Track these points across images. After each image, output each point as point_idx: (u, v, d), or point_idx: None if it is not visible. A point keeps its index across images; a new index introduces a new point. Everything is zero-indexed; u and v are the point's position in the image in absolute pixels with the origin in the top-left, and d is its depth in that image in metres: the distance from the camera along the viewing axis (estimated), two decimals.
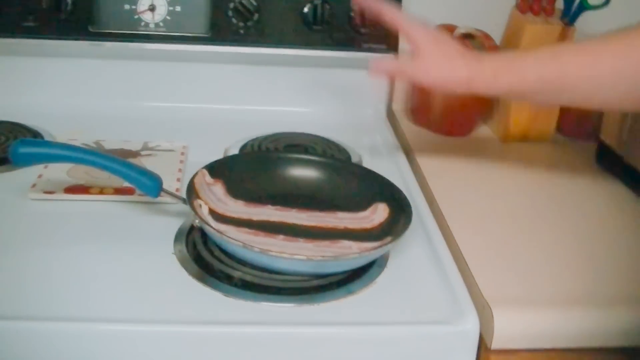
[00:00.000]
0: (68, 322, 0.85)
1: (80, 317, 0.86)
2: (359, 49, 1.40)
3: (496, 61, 1.06)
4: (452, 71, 1.06)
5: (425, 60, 1.07)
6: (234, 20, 1.36)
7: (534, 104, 1.36)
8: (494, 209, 1.15)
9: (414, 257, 1.02)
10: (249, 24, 1.36)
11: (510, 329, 0.90)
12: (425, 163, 1.28)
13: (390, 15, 1.11)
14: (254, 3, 1.35)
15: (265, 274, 0.94)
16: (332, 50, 1.39)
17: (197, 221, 0.98)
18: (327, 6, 1.37)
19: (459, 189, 1.20)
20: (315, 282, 0.94)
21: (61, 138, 1.27)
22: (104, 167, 0.98)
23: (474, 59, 1.06)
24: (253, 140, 1.33)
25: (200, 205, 1.02)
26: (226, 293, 0.91)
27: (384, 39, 1.39)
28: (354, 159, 1.29)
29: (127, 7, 1.35)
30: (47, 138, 1.28)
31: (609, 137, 1.28)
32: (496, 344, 0.90)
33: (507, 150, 1.38)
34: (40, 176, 1.13)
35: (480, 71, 1.05)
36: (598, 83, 0.97)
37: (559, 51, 1.03)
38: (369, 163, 1.27)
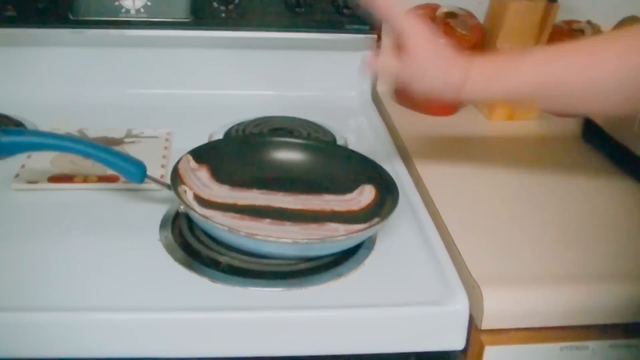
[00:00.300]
0: (54, 312, 0.84)
1: (66, 307, 0.85)
2: (342, 30, 1.39)
3: (489, 66, 1.02)
4: (445, 79, 1.01)
5: (420, 65, 1.00)
6: (215, 4, 1.35)
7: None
8: (481, 189, 1.14)
9: (402, 238, 1.02)
10: (231, 7, 1.35)
11: (499, 308, 0.89)
12: (412, 144, 1.27)
13: (383, 4, 1.04)
14: None
15: (253, 259, 0.93)
16: (314, 32, 1.38)
17: (182, 207, 0.97)
18: None
19: (446, 168, 1.20)
20: (303, 266, 0.94)
21: (44, 127, 1.26)
22: (87, 155, 0.98)
23: (466, 64, 1.00)
24: (238, 125, 1.32)
25: (185, 191, 1.01)
26: (213, 279, 0.90)
27: (366, 20, 1.38)
28: (340, 142, 1.28)
29: None
30: (30, 128, 1.27)
31: None
32: (486, 323, 0.89)
33: (494, 129, 1.37)
34: (23, 166, 1.12)
35: (472, 77, 1.00)
36: (600, 86, 0.94)
37: (557, 53, 0.99)
38: (354, 145, 1.27)
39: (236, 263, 0.93)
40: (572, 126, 1.36)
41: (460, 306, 0.89)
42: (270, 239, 0.90)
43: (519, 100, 1.05)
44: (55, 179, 1.10)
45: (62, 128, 1.25)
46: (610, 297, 0.92)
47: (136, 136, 1.26)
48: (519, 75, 0.99)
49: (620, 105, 0.97)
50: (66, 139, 0.99)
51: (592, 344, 0.93)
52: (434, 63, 1.00)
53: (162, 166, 1.15)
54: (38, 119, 1.30)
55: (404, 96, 1.43)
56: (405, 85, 1.03)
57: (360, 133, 1.36)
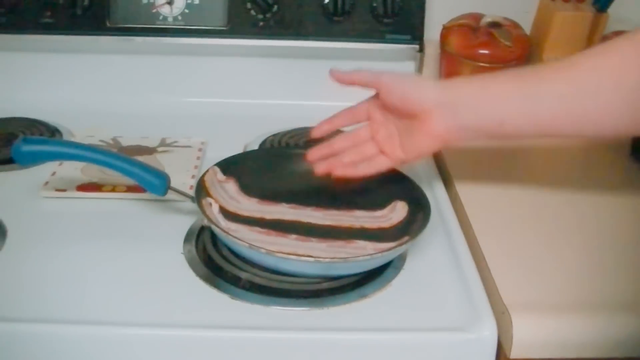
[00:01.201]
0: (76, 325, 0.83)
1: (87, 320, 0.84)
2: (382, 40, 1.35)
3: (502, 82, 0.96)
4: (418, 90, 0.99)
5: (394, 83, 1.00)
6: (252, 12, 1.33)
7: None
8: (520, 208, 1.09)
9: (433, 258, 0.98)
10: (268, 15, 1.33)
11: (530, 337, 0.85)
12: (451, 157, 1.23)
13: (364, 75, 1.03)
14: None
15: (275, 276, 0.91)
16: (354, 41, 1.35)
17: (205, 221, 0.94)
18: None
19: (485, 185, 1.15)
20: (326, 285, 0.91)
21: (79, 134, 1.26)
22: (108, 165, 0.96)
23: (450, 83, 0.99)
24: (274, 135, 1.29)
25: (211, 204, 0.99)
26: (234, 296, 0.88)
27: (407, 29, 1.35)
28: None
29: (144, 0, 1.32)
30: (65, 134, 1.27)
31: None
32: (515, 352, 0.85)
33: (538, 143, 1.32)
34: (54, 174, 1.12)
35: (470, 100, 0.96)
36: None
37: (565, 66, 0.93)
38: None
39: (257, 280, 0.90)
40: (621, 141, 1.30)
41: (488, 333, 0.85)
42: (292, 257, 0.87)
43: (541, 124, 0.95)
44: (84, 187, 1.09)
45: (96, 135, 1.25)
46: None
47: (169, 145, 1.24)
48: (544, 85, 0.93)
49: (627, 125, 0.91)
50: (88, 149, 0.97)
51: None
52: (407, 80, 1.01)
53: (193, 177, 1.13)
54: (74, 126, 1.29)
55: None
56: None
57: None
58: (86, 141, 1.21)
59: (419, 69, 1.43)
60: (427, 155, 1.04)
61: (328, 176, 1.05)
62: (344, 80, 1.04)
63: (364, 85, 1.02)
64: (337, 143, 1.06)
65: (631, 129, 0.95)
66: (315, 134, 1.07)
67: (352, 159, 1.04)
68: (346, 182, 1.05)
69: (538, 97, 0.92)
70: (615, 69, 0.89)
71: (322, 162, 1.05)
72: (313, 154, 1.06)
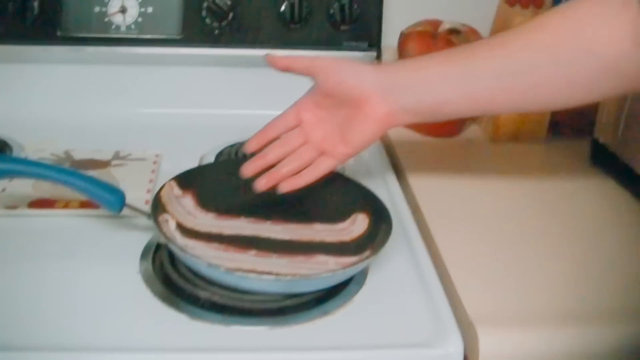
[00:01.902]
0: (25, 351, 0.79)
1: (38, 345, 0.80)
2: (340, 47, 1.33)
3: (432, 66, 0.97)
4: (357, 75, 0.98)
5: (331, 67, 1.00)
6: (207, 21, 1.30)
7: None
8: (482, 216, 1.09)
9: (395, 271, 0.96)
10: (224, 24, 1.30)
11: (497, 350, 0.83)
12: (411, 167, 1.22)
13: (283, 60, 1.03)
14: (228, 2, 1.29)
15: (235, 294, 0.88)
16: (311, 49, 1.33)
17: (162, 238, 0.92)
18: (305, 3, 1.31)
19: (446, 194, 1.14)
20: (288, 302, 0.88)
21: (30, 147, 1.22)
22: (61, 182, 0.93)
23: (384, 66, 1.02)
24: (230, 146, 1.27)
25: (167, 220, 0.96)
26: (193, 316, 0.85)
27: (365, 36, 1.33)
28: None
29: (96, 9, 1.29)
30: (15, 147, 1.23)
31: (603, 135, 1.22)
32: None
33: (497, 151, 1.31)
34: (3, 190, 1.08)
35: (404, 82, 0.97)
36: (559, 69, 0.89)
37: (507, 39, 0.94)
38: (351, 167, 1.21)
39: (217, 299, 0.88)
40: (580, 148, 1.30)
41: (453, 349, 0.83)
42: (251, 275, 0.85)
43: (480, 103, 0.96)
44: (36, 204, 1.05)
45: (47, 148, 1.22)
46: (619, 339, 0.86)
47: (124, 158, 1.21)
48: (478, 64, 0.93)
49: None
50: (39, 165, 0.94)
51: None
52: (344, 64, 1.00)
53: (148, 191, 1.11)
54: (24, 139, 1.25)
55: None
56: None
57: (357, 155, 1.30)
58: (37, 154, 1.18)
59: None
60: (371, 143, 1.01)
61: (272, 190, 1.02)
62: (280, 64, 1.02)
63: (300, 70, 1.01)
64: (271, 153, 1.02)
65: (571, 102, 0.94)
66: (249, 149, 1.04)
67: (291, 167, 1.01)
68: (297, 192, 1.03)
69: (474, 77, 0.93)
70: (549, 45, 0.89)
71: (261, 177, 1.02)
72: (247, 169, 1.02)
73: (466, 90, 0.94)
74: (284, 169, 1.01)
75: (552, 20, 0.90)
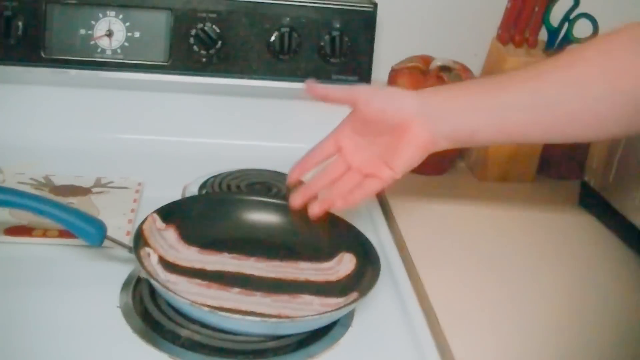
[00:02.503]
0: None
1: None
2: (329, 80, 1.31)
3: (465, 93, 0.98)
4: (396, 101, 0.99)
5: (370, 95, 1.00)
6: (195, 48, 1.28)
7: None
8: (469, 258, 1.07)
9: (382, 314, 0.94)
10: (212, 52, 1.28)
11: None
12: (397, 205, 1.20)
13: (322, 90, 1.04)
14: (217, 30, 1.27)
15: (216, 334, 0.85)
16: (300, 81, 1.30)
17: (142, 273, 0.89)
18: (295, 35, 1.29)
19: (433, 234, 1.12)
20: (271, 344, 0.86)
21: (8, 171, 1.19)
22: (41, 213, 0.91)
23: (421, 92, 0.99)
24: (214, 177, 1.24)
25: (149, 254, 0.93)
26: (173, 354, 0.82)
27: (355, 70, 1.31)
28: None
29: (82, 32, 1.26)
30: None
31: (593, 178, 1.21)
32: None
33: (486, 191, 1.30)
34: None
35: (440, 108, 0.97)
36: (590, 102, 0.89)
37: (540, 69, 0.94)
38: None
39: (197, 338, 0.85)
40: (569, 190, 1.29)
41: None
42: (235, 316, 0.83)
43: (510, 134, 0.97)
44: (13, 231, 1.02)
45: (27, 172, 1.19)
46: None
47: (105, 185, 1.18)
48: (509, 96, 0.94)
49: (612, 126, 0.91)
50: (16, 194, 0.91)
51: None
52: (384, 91, 1.03)
53: (130, 221, 1.08)
54: (3, 162, 1.22)
55: None
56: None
57: None
58: (16, 179, 1.16)
59: None
60: (413, 167, 1.01)
61: (324, 216, 1.02)
62: (319, 93, 1.03)
63: (339, 100, 1.01)
64: (316, 183, 1.03)
65: (600, 135, 0.97)
66: (291, 180, 1.05)
67: (340, 191, 1.01)
68: (283, 230, 1.04)
69: (504, 108, 0.94)
70: (579, 80, 0.89)
71: (313, 204, 1.02)
72: (296, 200, 1.03)
73: (497, 120, 0.94)
74: (334, 192, 1.01)
75: (585, 55, 0.91)
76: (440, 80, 1.27)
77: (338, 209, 1.01)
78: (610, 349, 0.89)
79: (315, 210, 1.01)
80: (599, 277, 1.06)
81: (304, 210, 1.03)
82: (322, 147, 1.03)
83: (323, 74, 1.31)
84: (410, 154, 0.98)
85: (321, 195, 1.02)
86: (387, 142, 0.98)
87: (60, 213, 0.91)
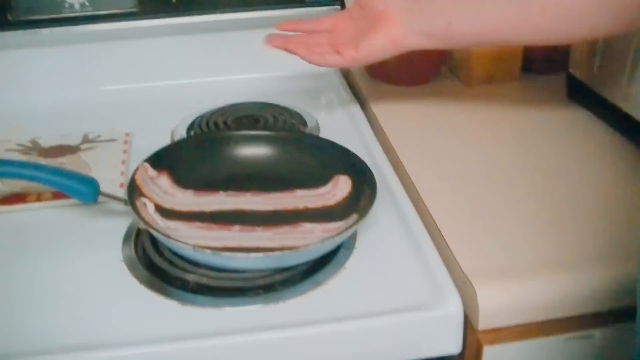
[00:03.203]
0: (12, 357, 0.76)
1: (24, 350, 0.77)
2: (302, 4, 1.30)
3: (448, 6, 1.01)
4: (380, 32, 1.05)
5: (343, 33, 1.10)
6: None
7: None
8: (464, 166, 1.06)
9: (384, 232, 0.94)
10: None
11: (496, 305, 0.82)
12: (386, 120, 1.19)
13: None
14: None
15: (224, 274, 0.86)
16: (273, 9, 1.29)
17: (141, 224, 0.89)
18: None
19: (424, 144, 1.12)
20: (279, 276, 0.86)
21: None
22: (30, 178, 0.90)
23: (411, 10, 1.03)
24: (200, 116, 1.23)
25: (145, 204, 0.93)
26: (182, 301, 0.83)
27: None
28: (310, 124, 1.20)
29: None
30: None
31: (578, 70, 1.20)
32: (483, 323, 0.82)
33: (473, 94, 1.29)
34: None
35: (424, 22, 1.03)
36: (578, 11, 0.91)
37: None
38: (326, 126, 1.19)
39: (205, 281, 0.85)
40: (555, 85, 1.27)
41: (453, 308, 0.82)
42: (239, 255, 0.83)
43: (485, 42, 1.08)
44: (6, 200, 1.01)
45: (12, 138, 1.18)
46: (614, 280, 0.84)
47: (93, 141, 1.17)
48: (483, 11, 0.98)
49: (605, 28, 0.93)
50: (3, 163, 0.91)
51: (598, 332, 0.86)
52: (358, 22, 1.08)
53: (122, 173, 1.07)
54: None
55: (375, 67, 1.34)
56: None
57: (331, 112, 1.28)
58: (2, 146, 1.15)
59: None
60: (378, 57, 1.07)
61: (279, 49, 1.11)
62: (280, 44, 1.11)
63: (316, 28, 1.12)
64: (294, 38, 1.12)
65: (570, 35, 0.99)
66: (278, 27, 1.13)
67: (307, 42, 1.10)
68: (274, 160, 1.05)
69: (479, 3, 0.98)
70: None
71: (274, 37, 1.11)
72: (274, 40, 1.11)
73: (472, 14, 0.98)
74: (303, 40, 1.11)
75: None
76: None
77: (295, 54, 1.09)
78: (611, 242, 0.89)
79: (274, 41, 1.10)
80: (594, 165, 1.05)
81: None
82: (321, 19, 1.13)
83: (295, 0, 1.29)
84: (379, 43, 1.05)
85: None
86: (366, 25, 1.06)
87: (50, 176, 0.90)
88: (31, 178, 0.90)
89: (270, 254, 0.84)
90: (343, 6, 1.31)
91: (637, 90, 1.05)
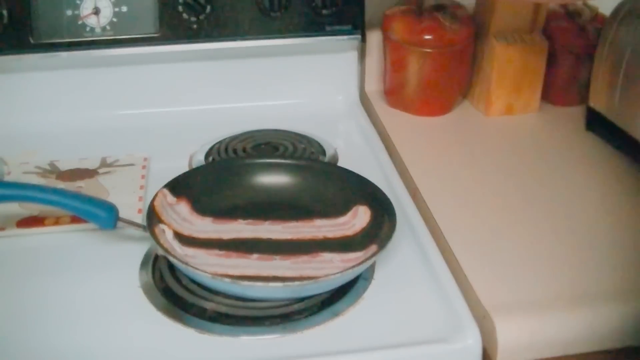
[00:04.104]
0: None
1: None
2: (323, 32, 1.29)
3: None
4: None
5: None
6: (185, 16, 1.25)
7: None
8: (482, 195, 1.06)
9: (403, 263, 0.94)
10: (202, 17, 1.26)
11: (515, 339, 0.81)
12: (405, 149, 1.19)
13: None
14: None
15: (241, 302, 0.86)
16: (293, 37, 1.29)
17: (159, 250, 0.89)
18: None
19: (444, 175, 1.11)
20: (297, 306, 0.86)
21: (13, 162, 1.18)
22: (50, 203, 0.90)
23: None
24: (219, 142, 1.24)
25: (164, 230, 0.93)
26: (200, 329, 0.83)
27: (348, 19, 1.29)
28: (329, 152, 1.20)
29: (69, 12, 1.24)
30: None
31: (598, 102, 1.20)
32: (502, 357, 0.81)
33: (492, 126, 1.28)
34: None
35: None
36: None
37: None
38: (344, 154, 1.19)
39: (223, 309, 0.85)
40: (575, 117, 1.27)
41: (471, 341, 0.81)
42: (257, 284, 0.83)
43: None
44: (25, 222, 1.01)
45: (31, 161, 1.18)
46: (635, 316, 0.83)
47: (111, 165, 1.17)
48: None
49: None
50: (22, 187, 0.91)
51: None
52: None
53: (140, 199, 1.07)
54: (6, 152, 1.20)
55: (395, 97, 1.34)
56: None
57: (350, 141, 1.27)
58: (21, 169, 1.15)
59: (362, 59, 1.39)
60: None
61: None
62: None
63: None
64: None
65: None
66: None
67: None
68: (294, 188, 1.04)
69: None
70: None
71: None
72: None
73: None
74: None
75: None
76: (435, 20, 1.25)
77: None
78: (635, 277, 0.89)
79: None
80: (613, 198, 1.05)
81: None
82: None
83: (316, 27, 1.29)
84: None
85: None
86: None
87: (69, 201, 0.90)
88: (50, 202, 0.90)
89: (289, 283, 0.83)
90: (364, 36, 1.31)
91: None
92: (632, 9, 1.14)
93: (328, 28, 1.28)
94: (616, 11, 1.17)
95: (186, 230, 0.96)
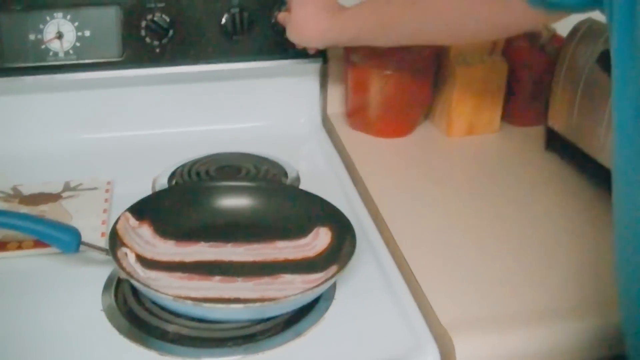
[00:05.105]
0: None
1: None
2: (285, 56, 1.31)
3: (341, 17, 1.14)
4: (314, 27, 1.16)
5: (292, 20, 1.18)
6: (147, 40, 1.26)
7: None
8: (443, 215, 1.08)
9: (363, 283, 0.95)
10: (164, 41, 1.27)
11: (474, 357, 0.83)
12: (367, 171, 1.20)
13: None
14: (167, 19, 1.26)
15: (204, 324, 0.86)
16: (256, 60, 1.31)
17: (122, 274, 0.89)
18: (246, 14, 1.27)
19: (404, 196, 1.13)
20: (259, 327, 0.86)
21: None
22: (13, 227, 0.90)
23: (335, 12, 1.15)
24: (182, 165, 1.24)
25: (126, 254, 0.93)
26: (162, 351, 0.83)
27: None
28: (291, 175, 1.21)
29: (32, 37, 1.25)
30: None
31: (556, 122, 1.22)
32: None
33: (453, 146, 1.31)
34: None
35: (336, 23, 1.14)
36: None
37: None
38: (306, 176, 1.20)
39: (185, 332, 0.85)
40: (535, 136, 1.30)
41: (431, 359, 0.82)
42: (219, 306, 0.83)
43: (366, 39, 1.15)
44: None
45: None
46: (593, 331, 0.85)
47: (74, 189, 1.17)
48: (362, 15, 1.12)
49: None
50: None
51: None
52: (303, 15, 1.17)
53: (103, 222, 1.08)
54: None
55: (357, 119, 1.36)
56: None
57: (312, 163, 1.29)
58: None
59: (325, 81, 1.40)
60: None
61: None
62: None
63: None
64: None
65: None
66: None
67: None
68: (256, 211, 1.05)
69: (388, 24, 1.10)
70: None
71: None
72: None
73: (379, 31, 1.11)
74: None
75: None
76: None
77: None
78: (589, 294, 0.91)
79: None
80: (572, 216, 1.08)
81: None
82: None
83: (279, 51, 1.31)
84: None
85: None
86: None
87: (32, 225, 0.91)
88: (13, 227, 0.90)
89: (250, 305, 0.84)
90: (326, 61, 1.33)
91: None
92: (589, 30, 1.16)
93: (290, 51, 1.30)
94: (573, 32, 1.19)
95: (149, 253, 0.97)
